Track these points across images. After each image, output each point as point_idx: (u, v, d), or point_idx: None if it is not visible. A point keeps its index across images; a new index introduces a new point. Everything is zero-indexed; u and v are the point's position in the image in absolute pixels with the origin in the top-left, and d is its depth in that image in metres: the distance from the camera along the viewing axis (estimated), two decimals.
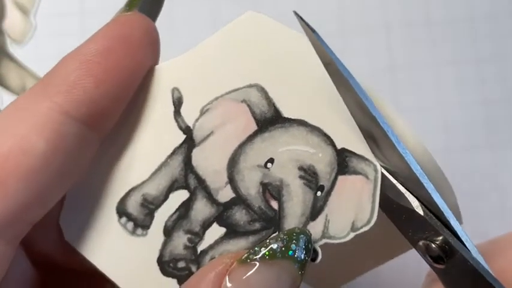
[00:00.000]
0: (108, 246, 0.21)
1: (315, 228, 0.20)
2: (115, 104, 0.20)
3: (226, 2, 0.39)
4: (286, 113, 0.21)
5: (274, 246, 0.19)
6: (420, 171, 0.19)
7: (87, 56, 0.19)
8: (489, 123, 0.39)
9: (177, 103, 0.21)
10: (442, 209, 0.19)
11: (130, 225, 0.21)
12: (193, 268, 0.21)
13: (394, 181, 0.20)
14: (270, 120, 0.21)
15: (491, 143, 0.38)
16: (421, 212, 0.19)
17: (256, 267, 0.18)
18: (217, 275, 0.18)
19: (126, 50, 0.20)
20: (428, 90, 0.39)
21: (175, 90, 0.21)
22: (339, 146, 0.20)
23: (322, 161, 0.20)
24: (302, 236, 0.19)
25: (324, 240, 0.20)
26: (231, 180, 0.21)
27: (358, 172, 0.20)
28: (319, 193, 0.21)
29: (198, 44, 0.21)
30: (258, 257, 0.18)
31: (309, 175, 0.20)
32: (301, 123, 0.21)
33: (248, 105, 0.21)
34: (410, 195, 0.20)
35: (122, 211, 0.21)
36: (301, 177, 0.20)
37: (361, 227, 0.20)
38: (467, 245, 0.19)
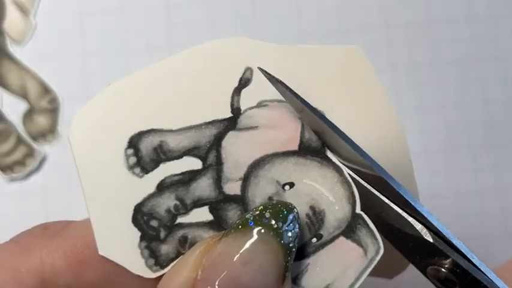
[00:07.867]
0: (101, 163, 0.20)
1: (292, 270, 0.20)
2: None
3: (224, 5, 0.39)
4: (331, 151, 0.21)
5: (247, 215, 0.19)
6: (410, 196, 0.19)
7: None
8: (489, 123, 0.39)
9: (243, 83, 0.21)
10: (439, 229, 0.19)
11: (133, 159, 0.20)
12: (162, 233, 0.20)
13: (399, 210, 0.20)
14: (313, 150, 0.21)
15: (491, 143, 0.38)
16: (430, 239, 0.19)
17: (228, 237, 0.18)
18: (199, 253, 0.19)
19: None
20: (428, 90, 0.39)
21: (248, 70, 0.21)
22: (357, 211, 0.20)
23: (335, 214, 0.20)
24: (280, 207, 0.19)
25: (293, 285, 0.20)
26: (245, 179, 0.20)
27: (361, 244, 0.20)
28: (314, 239, 0.20)
29: (298, 45, 0.21)
30: (232, 228, 0.18)
31: (315, 218, 0.20)
32: (338, 170, 0.20)
33: (302, 125, 0.21)
34: (417, 222, 0.19)
35: (133, 143, 0.20)
36: (307, 215, 0.20)
37: None
38: (477, 265, 0.18)
